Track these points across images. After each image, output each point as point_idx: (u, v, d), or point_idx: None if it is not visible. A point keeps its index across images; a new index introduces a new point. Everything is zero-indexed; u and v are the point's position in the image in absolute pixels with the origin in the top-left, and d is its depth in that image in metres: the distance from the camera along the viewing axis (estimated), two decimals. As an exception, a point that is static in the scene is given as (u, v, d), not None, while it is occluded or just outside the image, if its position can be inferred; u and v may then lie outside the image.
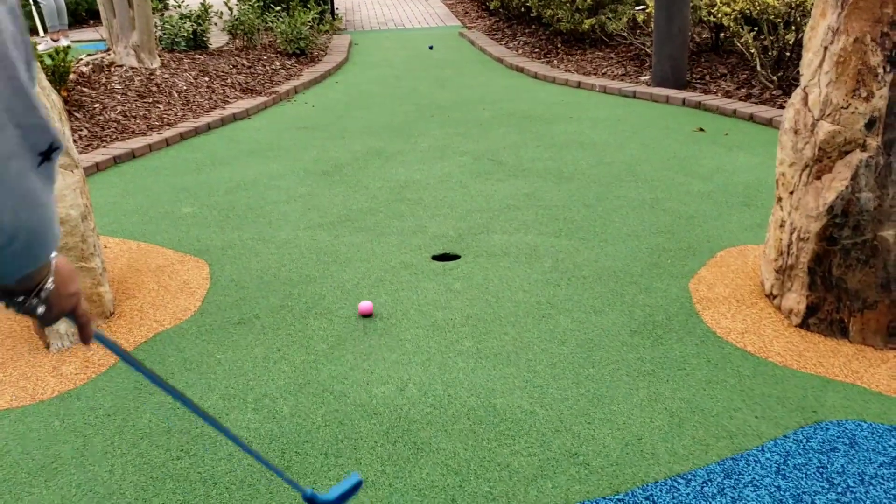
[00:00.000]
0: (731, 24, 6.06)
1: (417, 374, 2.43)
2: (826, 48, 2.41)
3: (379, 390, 2.35)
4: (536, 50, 8.56)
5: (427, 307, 2.85)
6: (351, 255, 3.34)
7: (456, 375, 2.41)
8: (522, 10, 9.65)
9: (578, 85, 6.83)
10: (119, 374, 2.50)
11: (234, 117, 5.92)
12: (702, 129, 5.18)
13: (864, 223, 2.43)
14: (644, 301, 2.86)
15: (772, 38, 5.86)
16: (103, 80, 6.26)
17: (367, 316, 2.80)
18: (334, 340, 2.64)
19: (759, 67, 5.97)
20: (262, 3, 8.79)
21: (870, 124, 2.36)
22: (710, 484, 1.93)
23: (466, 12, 12.46)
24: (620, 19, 7.59)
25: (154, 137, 5.26)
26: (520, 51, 8.70)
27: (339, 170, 4.58)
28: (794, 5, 5.62)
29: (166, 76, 6.59)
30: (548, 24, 8.81)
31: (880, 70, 2.32)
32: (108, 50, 7.13)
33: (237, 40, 8.42)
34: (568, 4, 7.99)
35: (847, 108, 2.37)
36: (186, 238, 3.60)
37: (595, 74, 7.15)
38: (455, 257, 3.31)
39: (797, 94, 2.57)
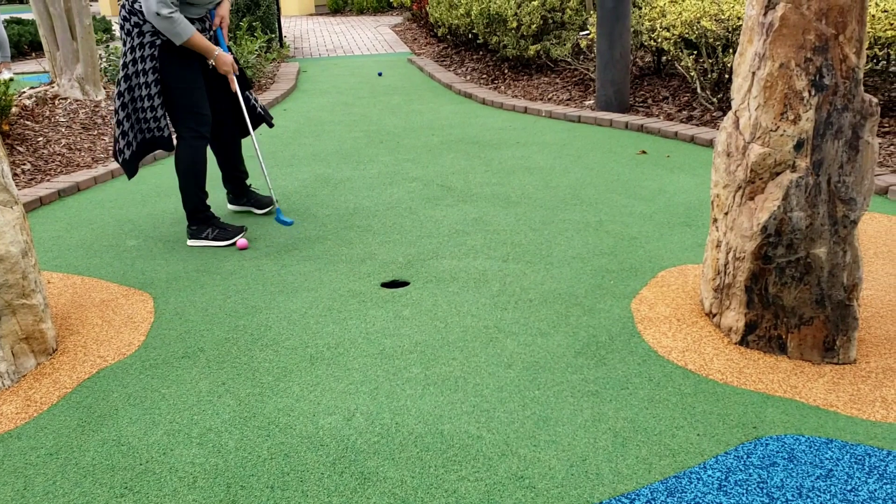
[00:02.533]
0: (672, 48, 6.22)
1: (365, 403, 2.42)
2: (754, 73, 2.50)
3: (325, 421, 2.34)
4: (484, 76, 8.67)
5: (375, 335, 2.86)
6: (298, 285, 3.33)
7: (403, 403, 2.41)
8: (469, 36, 9.77)
9: (525, 110, 6.93)
10: (62, 412, 2.45)
11: (181, 148, 5.87)
12: (644, 152, 5.29)
13: (797, 241, 2.51)
14: (588, 322, 2.90)
15: (711, 60, 6.02)
16: (47, 113, 6.17)
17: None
18: (280, 372, 2.63)
19: (699, 90, 6.13)
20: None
21: (798, 146, 2.44)
22: (653, 503, 1.96)
23: (415, 39, 12.57)
24: (565, 45, 7.74)
25: (100, 170, 5.20)
26: (468, 77, 8.80)
27: (286, 198, 4.57)
28: (731, 28, 5.80)
29: (112, 108, 6.52)
30: (494, 50, 8.93)
31: (806, 94, 2.41)
32: (52, 82, 7.04)
33: (184, 70, 8.37)
34: (513, 31, 8.11)
35: (776, 130, 2.45)
36: (131, 271, 3.55)
37: (541, 100, 7.26)
38: (404, 284, 3.32)
39: (729, 118, 2.65)
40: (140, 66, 3.65)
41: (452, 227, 3.98)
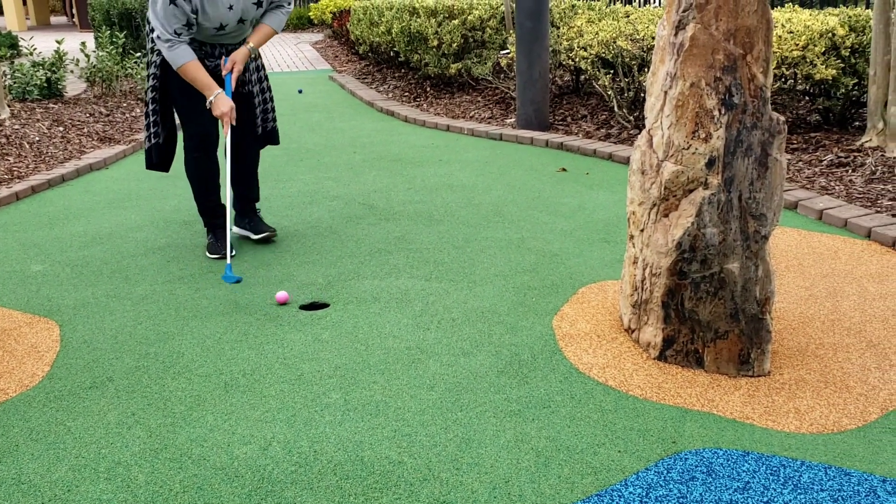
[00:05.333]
0: (589, 67, 6.33)
1: (282, 431, 2.35)
2: (666, 92, 2.54)
3: (241, 451, 2.25)
4: (406, 94, 8.67)
5: (293, 360, 2.78)
6: (213, 309, 3.22)
7: (322, 430, 2.35)
8: (391, 54, 9.77)
9: (447, 128, 6.95)
10: (-47, 452, 2.30)
11: (91, 168, 5.67)
12: (564, 170, 5.35)
13: (711, 257, 2.55)
14: (510, 340, 2.89)
15: (627, 80, 6.15)
16: (-55, 132, 5.88)
17: (283, 304, 3.24)
18: (193, 401, 2.53)
19: (616, 108, 6.25)
20: (120, 50, 8.51)
21: (710, 163, 2.49)
22: (575, 523, 1.94)
23: (336, 56, 12.51)
24: (485, 64, 7.80)
25: (3, 192, 4.96)
26: (390, 94, 8.79)
27: (201, 219, 4.44)
28: (646, 48, 5.93)
29: (17, 127, 6.26)
30: (416, 68, 8.95)
31: (716, 112, 2.46)
32: (-49, 99, 6.72)
33: (95, 88, 8.12)
34: (434, 50, 8.14)
35: (688, 148, 2.50)
36: (36, 298, 3.39)
37: (463, 118, 7.29)
38: (324, 306, 3.26)
39: (643, 137, 2.68)
40: (148, 72, 3.75)
41: (374, 247, 3.94)
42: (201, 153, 3.77)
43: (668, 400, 2.48)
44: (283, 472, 2.15)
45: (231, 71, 3.66)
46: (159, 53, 3.64)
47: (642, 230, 2.70)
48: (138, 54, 8.41)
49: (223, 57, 3.71)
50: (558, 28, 7.31)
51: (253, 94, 3.88)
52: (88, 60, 8.02)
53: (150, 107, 3.77)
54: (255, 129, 3.95)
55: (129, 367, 2.77)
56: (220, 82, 3.71)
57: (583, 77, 7.47)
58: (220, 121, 3.69)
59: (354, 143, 6.48)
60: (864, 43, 5.34)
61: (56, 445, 2.31)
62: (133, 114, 7.35)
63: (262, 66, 3.98)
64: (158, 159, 3.89)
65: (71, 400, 2.56)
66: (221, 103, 3.56)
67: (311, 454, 2.23)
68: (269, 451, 2.25)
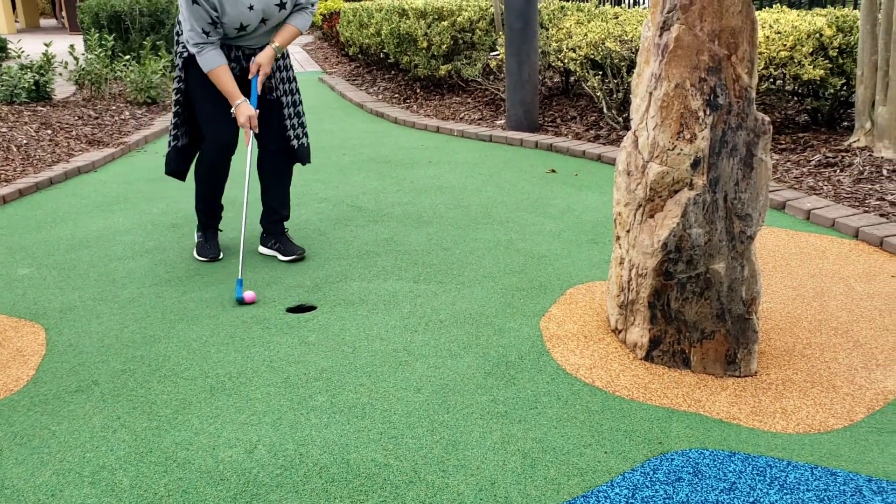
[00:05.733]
0: (578, 68, 6.33)
1: (268, 434, 2.34)
2: (651, 94, 2.54)
3: (226, 454, 2.24)
4: (396, 95, 8.66)
5: (279, 363, 2.77)
6: (199, 312, 3.21)
7: (308, 433, 2.34)
8: (381, 56, 9.77)
9: (437, 129, 6.94)
10: (-64, 457, 2.28)
11: (80, 171, 5.65)
12: (553, 171, 5.36)
13: (697, 257, 2.56)
14: (498, 342, 2.88)
15: (616, 81, 6.16)
16: (-69, 135, 5.85)
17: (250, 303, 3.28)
18: (179, 404, 2.52)
19: (605, 110, 6.26)
20: (109, 53, 8.49)
21: (695, 164, 2.49)
22: (561, 524, 1.94)
23: (326, 58, 12.50)
24: (475, 65, 7.80)
25: (-12, 194, 4.94)
26: (380, 96, 8.78)
27: (189, 221, 4.43)
28: (634, 49, 5.94)
29: (4, 130, 6.23)
30: (406, 69, 8.95)
31: (701, 113, 2.46)
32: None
33: (84, 90, 8.09)
34: (424, 51, 8.14)
35: (673, 149, 2.50)
36: (22, 301, 3.37)
37: (453, 119, 7.29)
38: (311, 308, 3.25)
39: (628, 138, 2.69)
40: (174, 74, 3.72)
41: (362, 248, 3.93)
42: (218, 159, 3.67)
43: (654, 400, 2.48)
44: (268, 476, 2.14)
45: (257, 74, 3.55)
46: (182, 57, 3.58)
47: (628, 231, 2.70)
48: (127, 57, 8.38)
49: (241, 62, 3.62)
50: (547, 29, 7.32)
51: (282, 104, 3.72)
52: (77, 63, 8.00)
53: (174, 108, 3.71)
54: (287, 141, 3.76)
55: (115, 370, 2.75)
56: (244, 86, 3.64)
57: (572, 78, 7.48)
58: (237, 132, 3.65)
59: (344, 145, 6.47)
60: (852, 43, 5.36)
61: (40, 450, 2.30)
62: (122, 117, 7.32)
63: (292, 71, 3.80)
64: (176, 164, 3.81)
65: (56, 404, 2.55)
66: (241, 111, 3.47)
67: (296, 457, 2.22)
68: (255, 455, 2.24)
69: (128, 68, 8.16)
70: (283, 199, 3.87)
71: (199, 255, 3.82)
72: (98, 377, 2.71)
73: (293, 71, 3.83)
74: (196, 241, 3.94)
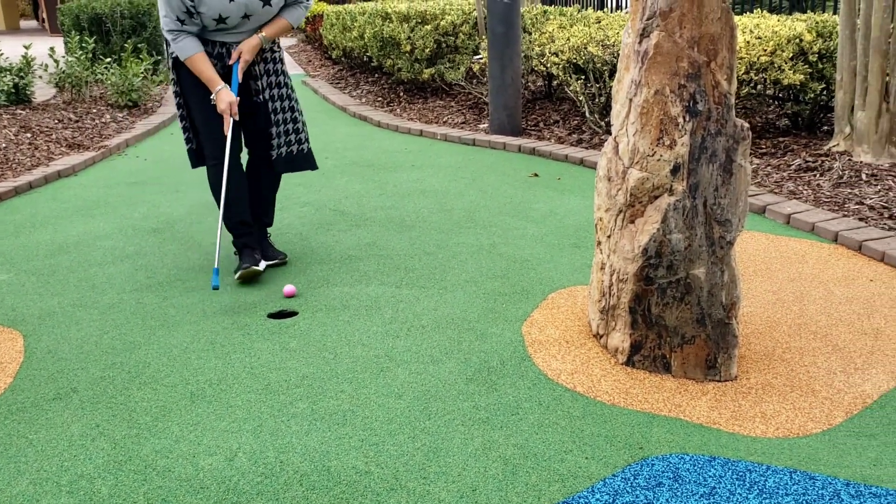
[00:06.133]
0: (561, 73, 6.35)
1: (248, 441, 2.33)
2: (631, 100, 2.55)
3: (206, 462, 2.23)
4: (379, 98, 8.66)
5: (260, 369, 2.76)
6: (180, 318, 3.19)
7: (289, 440, 2.33)
8: (364, 59, 9.76)
9: (421, 133, 6.94)
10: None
11: (59, 175, 5.60)
12: (536, 175, 5.37)
13: (677, 263, 2.57)
14: (480, 347, 2.88)
15: (598, 85, 6.18)
16: None
17: (290, 296, 3.35)
18: (159, 411, 2.50)
19: (588, 114, 6.28)
20: (90, 55, 8.43)
21: (675, 170, 2.51)
22: (542, 531, 1.94)
23: (310, 61, 12.47)
24: (458, 69, 7.81)
25: (-33, 199, 4.89)
26: (363, 99, 8.77)
27: (170, 226, 4.40)
28: (617, 54, 5.97)
29: (-17, 132, 6.17)
30: (389, 73, 8.95)
31: (680, 119, 2.47)
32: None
33: (64, 93, 8.03)
34: (407, 55, 8.14)
35: (653, 155, 2.51)
36: (0, 308, 3.34)
37: (436, 123, 7.29)
38: (292, 314, 3.23)
39: (609, 144, 2.70)
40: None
41: (344, 253, 3.92)
42: (218, 161, 3.57)
43: (635, 405, 2.49)
44: (248, 483, 2.13)
45: (238, 61, 3.45)
46: (174, 58, 3.51)
47: (609, 236, 2.71)
48: (108, 59, 8.32)
49: (224, 58, 3.51)
50: (530, 34, 7.34)
51: (268, 106, 3.59)
52: (58, 66, 7.94)
53: (179, 112, 3.65)
54: (269, 148, 3.65)
55: (94, 377, 2.73)
56: (228, 80, 3.55)
57: (555, 82, 7.50)
58: (239, 131, 3.58)
59: (327, 149, 6.45)
60: (832, 48, 5.41)
61: (17, 459, 2.28)
62: (103, 120, 7.27)
63: (285, 77, 3.67)
64: (199, 162, 3.75)
65: (34, 412, 2.52)
66: (221, 97, 3.40)
67: (277, 464, 2.21)
68: (235, 462, 2.23)
69: (109, 71, 8.10)
70: (266, 206, 3.81)
71: (234, 272, 3.61)
72: (77, 384, 2.69)
73: (287, 77, 3.69)
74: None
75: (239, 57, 3.46)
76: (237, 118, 3.47)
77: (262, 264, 3.61)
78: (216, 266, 3.40)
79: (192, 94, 3.52)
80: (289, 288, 3.37)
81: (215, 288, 3.35)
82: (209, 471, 2.19)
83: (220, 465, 2.22)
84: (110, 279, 3.63)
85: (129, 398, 2.59)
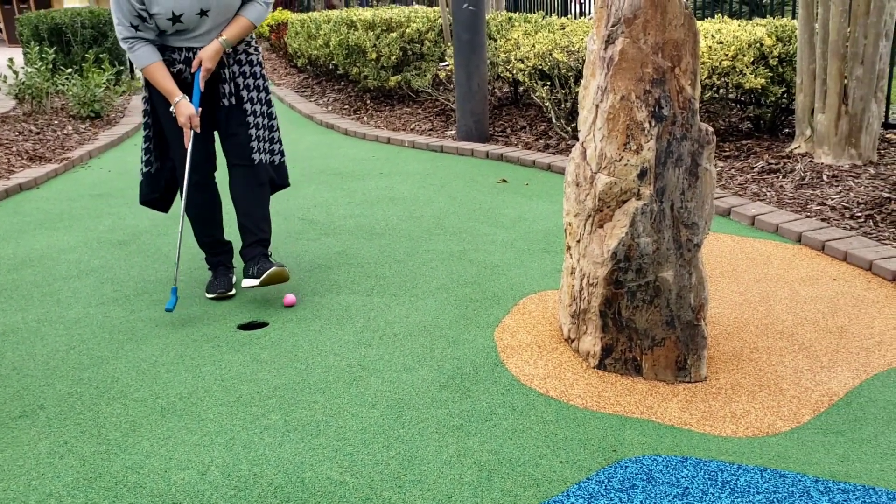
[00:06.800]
0: (527, 79, 6.39)
1: (220, 455, 2.30)
2: (598, 106, 2.58)
3: (178, 477, 2.20)
4: (346, 106, 8.64)
5: (231, 381, 2.73)
6: (148, 331, 3.15)
7: (262, 452, 2.31)
8: (330, 67, 9.73)
9: (388, 140, 6.94)
10: None
11: (21, 188, 5.51)
12: (505, 181, 5.39)
13: (646, 266, 2.59)
14: (452, 354, 2.89)
15: (564, 91, 6.23)
16: None
17: (290, 306, 3.35)
18: (129, 427, 2.47)
19: (554, 119, 6.33)
20: (50, 66, 8.31)
21: (642, 174, 2.53)
22: (518, 536, 1.95)
23: (275, 69, 12.41)
24: (425, 76, 7.82)
25: (-75, 214, 4.79)
26: (329, 107, 8.75)
27: (136, 238, 4.35)
28: (581, 60, 6.02)
29: (-59, 146, 6.05)
30: (356, 81, 8.93)
31: (646, 124, 2.50)
32: None
33: (24, 105, 7.90)
34: (373, 62, 8.13)
35: (620, 160, 2.54)
36: (-39, 325, 3.27)
37: (404, 130, 7.29)
38: (262, 325, 3.21)
39: (576, 149, 2.72)
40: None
41: (314, 262, 3.90)
42: (197, 183, 3.44)
43: (607, 408, 2.51)
44: (222, 497, 2.11)
45: (199, 70, 3.28)
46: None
47: (579, 241, 2.73)
48: (69, 70, 8.20)
49: (191, 64, 3.33)
50: (495, 40, 7.38)
51: (246, 111, 3.42)
52: (17, 77, 7.81)
53: (144, 132, 3.45)
54: (249, 152, 3.43)
55: (62, 393, 2.69)
56: (188, 90, 3.38)
57: (521, 89, 7.54)
58: (209, 147, 3.43)
59: (294, 157, 6.42)
60: (791, 52, 5.51)
61: (-17, 479, 2.23)
62: (65, 132, 7.17)
63: (263, 80, 3.49)
64: (149, 192, 3.54)
65: (-1, 430, 2.48)
66: (180, 110, 3.23)
67: (250, 477, 2.19)
68: (208, 476, 2.20)
69: (70, 81, 7.99)
70: (258, 217, 3.47)
71: (206, 291, 3.52)
72: (44, 401, 2.64)
73: (265, 80, 3.51)
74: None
75: (200, 66, 3.28)
76: (198, 131, 3.31)
77: (234, 290, 3.53)
78: (175, 285, 3.27)
79: (163, 109, 3.36)
80: (289, 298, 3.37)
81: (168, 310, 3.19)
82: (181, 485, 2.16)
83: (192, 479, 2.19)
84: (76, 293, 3.58)
85: (97, 414, 2.55)
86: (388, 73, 8.10)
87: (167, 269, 3.86)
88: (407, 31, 7.95)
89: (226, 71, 3.38)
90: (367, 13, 8.52)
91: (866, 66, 4.83)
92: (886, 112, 5.55)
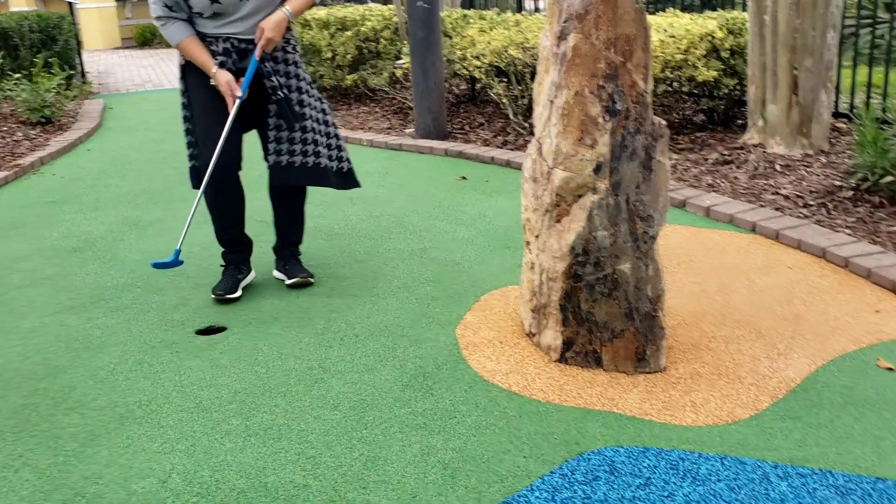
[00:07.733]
0: (483, 76, 6.41)
1: (181, 461, 2.27)
2: (552, 102, 2.59)
3: (139, 485, 2.17)
4: (303, 107, 8.57)
5: (191, 387, 2.70)
6: (105, 339, 3.10)
7: (224, 458, 2.28)
8: (286, 67, 9.63)
9: (346, 140, 6.90)
10: None
11: (-30, 196, 5.37)
12: (464, 178, 5.40)
13: (604, 259, 2.62)
14: (415, 353, 2.88)
15: (521, 87, 6.25)
16: None
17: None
18: (87, 437, 2.42)
19: (511, 116, 6.35)
20: (-2, 71, 8.12)
21: (597, 169, 2.55)
22: (483, 533, 1.95)
23: (230, 71, 12.29)
24: (381, 75, 7.80)
25: None
26: (286, 108, 8.67)
27: (91, 245, 4.27)
28: (537, 56, 6.05)
29: None
30: (312, 80, 8.86)
31: (601, 119, 2.52)
32: None
33: (-28, 111, 7.71)
34: (329, 61, 8.09)
35: (575, 155, 2.55)
36: None
37: (361, 129, 7.26)
38: (221, 329, 3.17)
39: (533, 145, 2.73)
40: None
41: (273, 264, 3.86)
42: (219, 180, 3.31)
43: (570, 401, 2.52)
44: (183, 506, 2.08)
45: (259, 40, 3.16)
46: (181, 64, 3.30)
47: (537, 236, 2.75)
48: (17, 75, 8.02)
49: (231, 54, 3.23)
50: (451, 38, 7.38)
51: (289, 104, 3.29)
52: (-37, 83, 7.62)
53: (184, 126, 3.40)
54: (292, 154, 3.34)
55: (16, 405, 2.63)
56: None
57: (478, 86, 7.56)
58: (238, 148, 3.30)
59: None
60: (742, 45, 5.59)
61: (-64, 496, 2.18)
62: (14, 138, 7.01)
63: (302, 69, 3.38)
64: (198, 182, 3.40)
65: (-49, 446, 2.41)
66: (218, 79, 3.16)
67: (212, 483, 2.17)
68: (169, 484, 2.17)
69: (19, 87, 7.81)
70: (293, 222, 3.58)
71: (212, 292, 3.44)
72: (-3, 414, 2.58)
73: (304, 70, 3.41)
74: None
75: (260, 36, 3.15)
76: (240, 94, 3.17)
77: (239, 292, 3.47)
78: (178, 247, 3.33)
79: (197, 101, 3.27)
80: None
81: (171, 264, 3.35)
82: (142, 494, 2.13)
83: (153, 487, 2.16)
84: (30, 302, 3.50)
85: (54, 425, 2.50)
86: (344, 73, 8.06)
87: (123, 275, 3.79)
88: (362, 29, 7.91)
89: (266, 65, 3.25)
90: (321, 12, 8.46)
91: (815, 57, 4.93)
92: (836, 101, 5.67)
